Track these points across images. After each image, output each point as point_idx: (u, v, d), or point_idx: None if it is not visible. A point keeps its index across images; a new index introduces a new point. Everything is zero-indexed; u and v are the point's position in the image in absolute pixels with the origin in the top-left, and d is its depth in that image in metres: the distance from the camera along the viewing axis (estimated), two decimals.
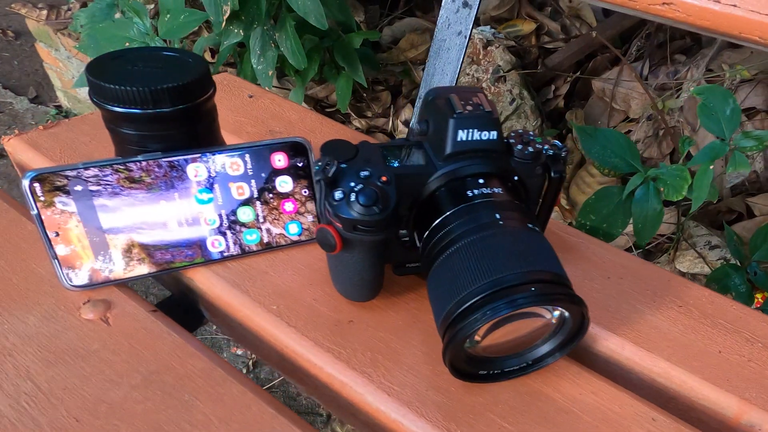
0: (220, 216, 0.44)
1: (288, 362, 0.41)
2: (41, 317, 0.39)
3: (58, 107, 1.81)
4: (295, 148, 0.44)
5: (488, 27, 1.03)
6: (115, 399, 0.35)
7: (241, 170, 0.43)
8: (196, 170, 0.42)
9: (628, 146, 0.51)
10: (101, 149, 0.57)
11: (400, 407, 0.37)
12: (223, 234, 0.44)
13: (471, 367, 0.37)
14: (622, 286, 0.48)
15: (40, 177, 0.38)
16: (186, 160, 0.42)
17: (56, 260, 0.40)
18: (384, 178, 0.36)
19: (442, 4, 0.67)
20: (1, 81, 1.94)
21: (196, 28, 0.89)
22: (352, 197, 0.35)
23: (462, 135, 0.38)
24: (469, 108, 0.38)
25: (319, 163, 0.36)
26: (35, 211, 0.38)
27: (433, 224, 0.38)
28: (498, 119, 0.39)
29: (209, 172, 0.42)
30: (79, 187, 0.39)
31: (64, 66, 1.63)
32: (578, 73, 1.03)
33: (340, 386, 0.38)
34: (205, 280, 0.44)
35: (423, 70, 1.14)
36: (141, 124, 0.41)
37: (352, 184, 0.35)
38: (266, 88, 0.90)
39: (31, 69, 2.06)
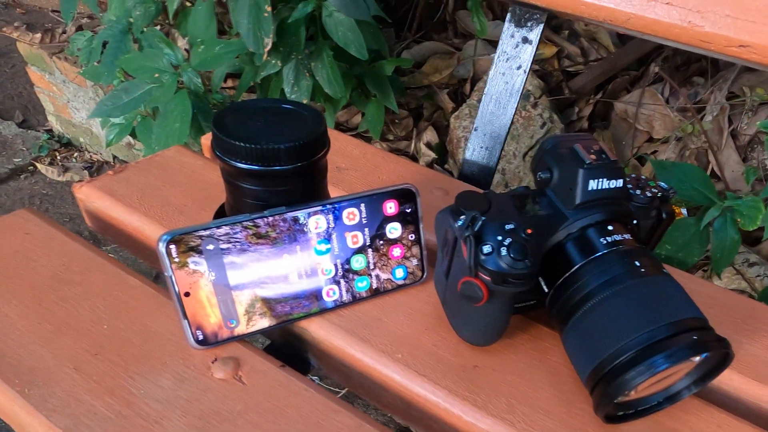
0: (336, 265, 0.44)
1: (416, 410, 0.42)
2: (174, 379, 0.38)
3: (49, 131, 1.75)
4: (405, 195, 0.45)
5: None
6: None
7: (357, 219, 0.44)
8: (317, 222, 0.42)
9: (703, 179, 0.53)
10: (178, 193, 0.56)
11: None
12: (337, 283, 0.44)
13: (613, 409, 0.38)
14: (712, 315, 0.49)
15: (176, 239, 0.37)
16: (308, 213, 0.41)
17: (186, 320, 0.39)
18: (529, 231, 0.37)
19: (501, 37, 0.68)
20: None
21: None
22: (503, 251, 0.36)
23: (593, 184, 0.39)
24: (593, 157, 0.39)
25: (462, 218, 0.37)
26: (169, 273, 0.37)
27: (568, 273, 0.39)
28: (622, 168, 0.40)
29: (328, 223, 0.42)
30: (211, 246, 0.38)
31: (59, 90, 1.59)
32: (599, 94, 1.07)
33: None
34: (320, 330, 0.44)
35: (448, 94, 1.16)
36: (261, 179, 0.41)
37: (499, 237, 0.36)
38: None
39: (14, 91, 1.99)
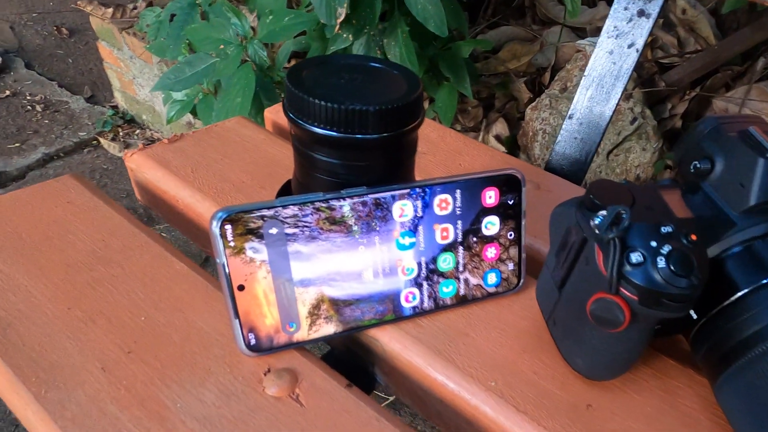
0: (419, 264, 0.36)
1: None
2: (219, 392, 0.31)
3: (114, 107, 1.76)
4: (509, 183, 0.36)
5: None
6: None
7: (449, 209, 0.35)
8: (402, 209, 0.34)
9: None
10: (236, 168, 0.49)
11: None
12: (419, 286, 0.36)
13: None
14: None
15: (233, 217, 0.30)
16: (393, 197, 0.33)
17: (238, 319, 0.32)
18: (693, 237, 0.27)
19: (611, 11, 0.58)
20: (57, 79, 1.91)
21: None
22: (660, 262, 0.26)
23: None
24: None
25: (602, 214, 0.28)
26: (222, 260, 0.30)
27: (731, 299, 0.29)
28: None
29: (415, 211, 0.34)
30: (274, 230, 0.31)
31: (126, 66, 1.58)
32: (697, 90, 0.94)
33: None
34: (394, 342, 0.36)
35: (525, 83, 1.06)
36: (340, 150, 0.33)
37: (654, 243, 0.27)
38: None
39: (85, 68, 2.02)
